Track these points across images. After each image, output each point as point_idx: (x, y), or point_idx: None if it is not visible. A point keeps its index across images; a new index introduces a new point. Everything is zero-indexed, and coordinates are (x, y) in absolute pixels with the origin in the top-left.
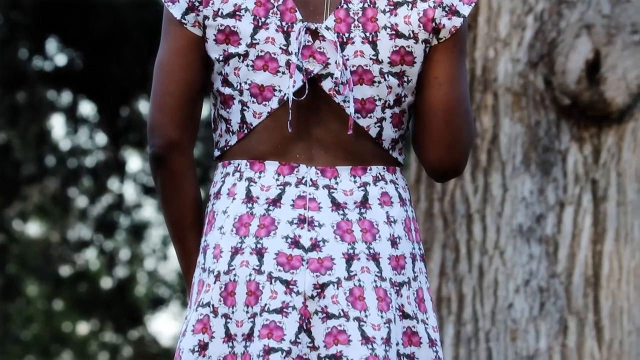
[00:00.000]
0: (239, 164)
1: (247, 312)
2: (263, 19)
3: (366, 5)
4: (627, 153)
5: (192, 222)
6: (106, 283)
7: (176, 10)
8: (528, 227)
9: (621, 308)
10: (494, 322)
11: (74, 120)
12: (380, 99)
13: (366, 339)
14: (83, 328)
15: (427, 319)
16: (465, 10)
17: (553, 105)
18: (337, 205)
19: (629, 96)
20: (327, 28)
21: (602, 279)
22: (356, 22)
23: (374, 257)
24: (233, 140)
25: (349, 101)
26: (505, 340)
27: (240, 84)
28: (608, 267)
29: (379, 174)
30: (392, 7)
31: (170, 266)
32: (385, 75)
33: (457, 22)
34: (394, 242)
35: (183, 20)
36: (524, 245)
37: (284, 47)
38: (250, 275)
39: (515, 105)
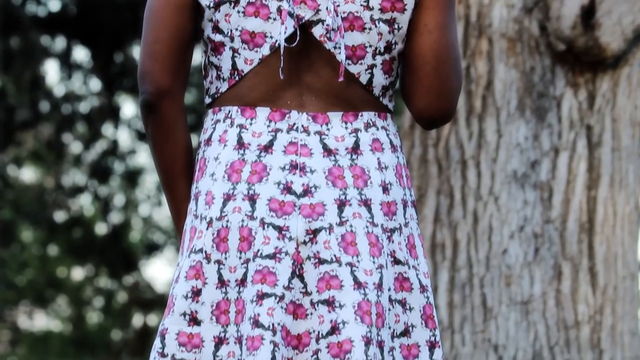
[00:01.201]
0: (229, 111)
1: (240, 258)
2: None
3: None
4: (621, 99)
5: (183, 169)
6: (101, 229)
7: None
8: (523, 173)
9: (615, 253)
10: (488, 267)
11: (67, 65)
12: (370, 46)
13: (358, 284)
14: (78, 273)
15: (418, 265)
16: None
17: (548, 51)
18: (328, 152)
19: (624, 42)
20: None
21: (596, 224)
22: None
23: (366, 203)
24: (224, 87)
25: (339, 48)
26: (499, 286)
27: (231, 30)
28: (602, 213)
29: (370, 120)
30: None
31: (165, 212)
32: (376, 22)
33: None
34: (385, 188)
35: None
36: (519, 191)
37: None
38: (242, 221)
39: (510, 51)
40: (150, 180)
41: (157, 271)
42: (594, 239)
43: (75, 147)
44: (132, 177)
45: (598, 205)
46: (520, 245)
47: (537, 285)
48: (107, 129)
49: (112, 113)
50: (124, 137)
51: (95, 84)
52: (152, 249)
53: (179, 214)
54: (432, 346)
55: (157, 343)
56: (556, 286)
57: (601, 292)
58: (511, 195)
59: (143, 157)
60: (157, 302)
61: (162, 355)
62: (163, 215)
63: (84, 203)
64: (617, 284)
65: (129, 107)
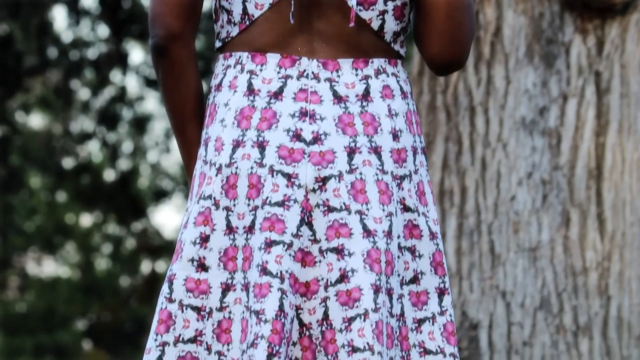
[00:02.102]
0: (240, 56)
1: (249, 205)
2: None
3: None
4: (630, 45)
5: (193, 113)
6: (109, 175)
7: None
8: (531, 120)
9: (624, 200)
10: (496, 214)
11: (75, 12)
12: None
13: (368, 232)
14: (86, 220)
15: (427, 212)
16: None
17: None
18: (338, 98)
19: None
20: None
21: (604, 170)
22: None
23: (376, 151)
24: (234, 31)
25: None
26: (507, 233)
27: None
28: (611, 159)
29: (381, 66)
30: None
31: (173, 159)
32: None
33: None
34: (395, 136)
35: None
36: (527, 137)
37: None
38: (251, 168)
39: None
40: (159, 126)
41: (166, 218)
42: (602, 186)
43: (83, 93)
44: (140, 124)
45: (606, 151)
46: (529, 192)
47: (545, 231)
48: (115, 75)
49: (120, 59)
50: (132, 84)
51: (103, 30)
52: (160, 195)
53: (189, 158)
54: (441, 293)
55: (164, 288)
56: (564, 233)
57: (609, 239)
58: (519, 142)
59: (151, 103)
60: (165, 249)
61: (170, 300)
62: (171, 161)
63: (92, 149)
64: (625, 230)
65: (137, 54)
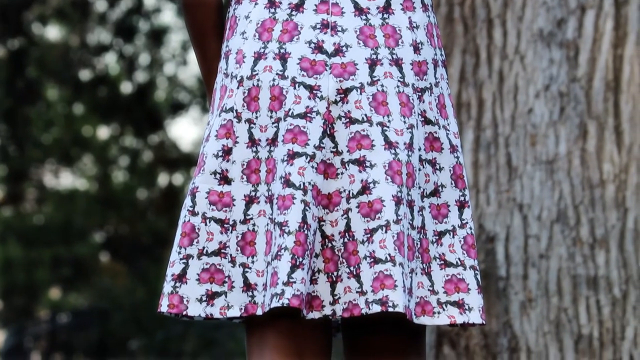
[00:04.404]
0: None
1: (271, 117)
2: None
3: None
4: None
5: (214, 26)
6: (126, 88)
7: None
8: (549, 32)
9: None
10: (513, 127)
11: None
12: None
13: (389, 144)
14: (103, 132)
15: (448, 125)
16: None
17: None
18: (360, 10)
19: None
20: None
21: (622, 83)
22: None
23: (397, 63)
24: None
25: None
26: (524, 145)
27: None
28: (629, 71)
29: None
30: None
31: (190, 71)
32: None
33: None
34: (416, 48)
35: None
36: (545, 49)
37: None
38: (273, 80)
39: None
40: (176, 39)
41: (183, 130)
42: (620, 98)
43: (100, 5)
44: (157, 36)
45: (624, 63)
46: (546, 104)
47: (562, 144)
48: None
49: None
50: None
51: None
52: (177, 108)
53: (209, 72)
54: (461, 206)
55: (187, 201)
56: (581, 145)
57: (626, 151)
58: (537, 54)
59: (168, 15)
60: (183, 161)
61: (193, 213)
62: (188, 74)
63: (109, 62)
64: None
65: None
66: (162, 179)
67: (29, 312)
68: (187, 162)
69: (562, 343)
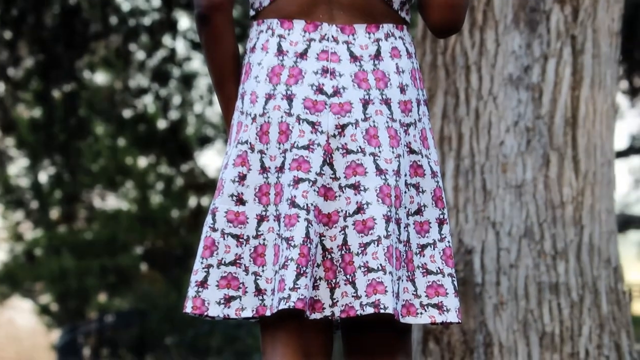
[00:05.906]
0: (270, 23)
1: (279, 148)
2: None
3: None
4: (601, 12)
5: (231, 72)
6: (161, 124)
7: None
8: (517, 76)
9: (595, 144)
10: (488, 156)
11: None
12: None
13: (380, 171)
14: (142, 162)
15: (429, 154)
16: None
17: None
18: (354, 58)
19: None
20: None
21: (579, 119)
22: None
23: (386, 102)
24: (266, 1)
25: None
26: (497, 172)
27: None
28: (584, 110)
29: (390, 31)
30: None
31: (216, 110)
32: None
33: None
34: (402, 89)
35: None
36: (514, 91)
37: None
38: (281, 117)
39: None
40: (203, 83)
41: (209, 160)
42: (577, 132)
43: (139, 55)
44: (187, 81)
45: (581, 103)
46: (515, 138)
47: (529, 171)
48: (167, 39)
49: (170, 26)
50: (181, 47)
51: (156, 0)
52: (204, 141)
53: (227, 110)
54: (440, 223)
55: (208, 220)
56: (545, 172)
57: (583, 177)
58: (507, 95)
59: (197, 63)
60: (209, 186)
61: (213, 229)
62: (214, 112)
63: (147, 102)
64: (596, 170)
65: (184, 21)
66: (192, 201)
67: (81, 314)
68: (213, 186)
69: (529, 339)
